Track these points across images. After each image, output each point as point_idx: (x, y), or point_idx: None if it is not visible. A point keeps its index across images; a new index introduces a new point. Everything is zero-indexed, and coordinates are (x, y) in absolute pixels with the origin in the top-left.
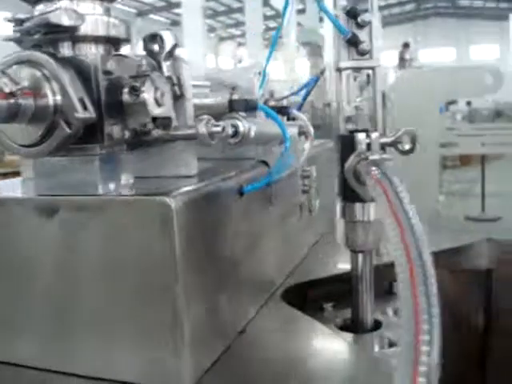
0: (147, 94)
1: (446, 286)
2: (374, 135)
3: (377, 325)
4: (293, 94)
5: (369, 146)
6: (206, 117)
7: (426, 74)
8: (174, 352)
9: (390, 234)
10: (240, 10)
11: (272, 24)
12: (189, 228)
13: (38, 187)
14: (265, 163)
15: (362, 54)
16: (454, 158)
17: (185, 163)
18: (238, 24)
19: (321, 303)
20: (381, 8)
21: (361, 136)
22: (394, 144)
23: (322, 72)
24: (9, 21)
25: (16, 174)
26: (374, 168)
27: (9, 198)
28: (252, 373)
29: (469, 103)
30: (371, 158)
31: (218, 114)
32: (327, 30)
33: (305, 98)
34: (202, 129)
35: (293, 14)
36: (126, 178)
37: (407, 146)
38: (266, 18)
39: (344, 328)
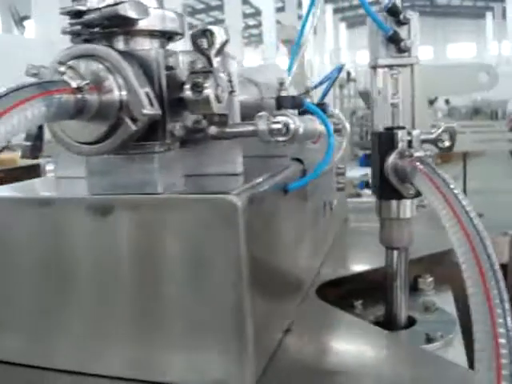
0: (210, 91)
1: (461, 282)
2: (416, 132)
3: (410, 321)
4: (315, 86)
5: (409, 143)
6: (264, 113)
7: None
8: (238, 352)
9: (451, 231)
10: (219, 8)
11: (251, 22)
12: (249, 227)
13: (92, 186)
14: (299, 161)
15: (404, 51)
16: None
17: (231, 161)
18: (217, 22)
19: (351, 301)
20: (358, 6)
21: (402, 133)
22: (434, 141)
23: (343, 66)
24: (67, 13)
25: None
26: (421, 165)
27: (60, 198)
28: (304, 372)
29: (447, 101)
30: (416, 154)
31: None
32: (308, 28)
33: (326, 92)
34: (263, 126)
35: (272, 11)
36: (178, 176)
37: (447, 143)
38: (246, 15)
39: (377, 325)
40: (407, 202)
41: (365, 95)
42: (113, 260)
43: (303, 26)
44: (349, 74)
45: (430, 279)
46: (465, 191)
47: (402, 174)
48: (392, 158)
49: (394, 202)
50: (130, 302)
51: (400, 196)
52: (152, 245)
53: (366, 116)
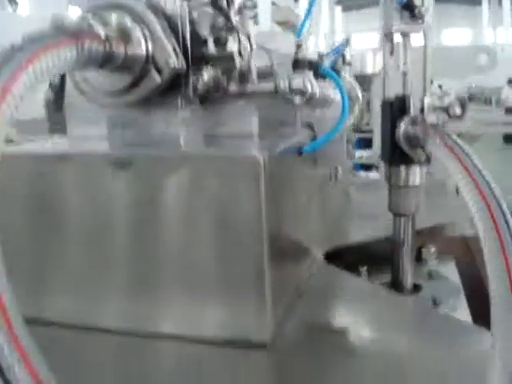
0: (233, 46)
1: (464, 253)
2: (428, 99)
3: (415, 288)
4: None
5: (421, 110)
6: (285, 71)
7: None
8: (257, 307)
9: (468, 195)
10: None
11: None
12: (269, 184)
13: (114, 141)
14: (310, 127)
15: (419, 18)
16: None
17: (247, 122)
18: None
19: (357, 268)
20: None
21: (414, 100)
22: (446, 109)
23: (349, 39)
24: None
25: None
26: (435, 130)
27: (80, 153)
28: (316, 331)
29: (440, 87)
30: (430, 121)
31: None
32: (303, 9)
33: (334, 64)
34: (284, 83)
35: None
36: (198, 134)
37: (458, 111)
38: None
39: None
40: (416, 170)
41: (361, 78)
42: (133, 214)
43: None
44: (344, 57)
45: (433, 249)
46: None
47: (414, 139)
48: (404, 125)
49: (403, 169)
50: (148, 256)
51: (410, 162)
52: (172, 199)
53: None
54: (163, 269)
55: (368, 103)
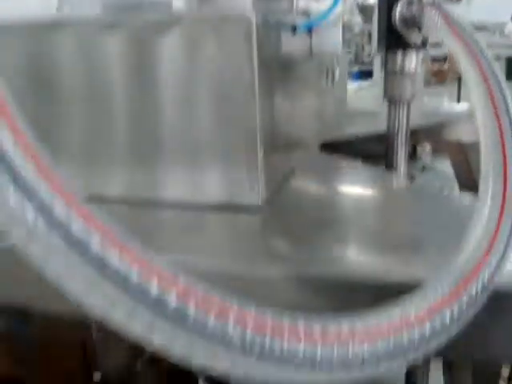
0: None
1: (458, 158)
2: None
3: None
4: None
5: None
6: None
7: None
8: (251, 172)
9: (467, 74)
10: None
11: None
12: (261, 50)
13: (105, 7)
14: (306, 14)
15: None
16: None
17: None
18: None
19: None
20: None
21: None
22: None
23: None
24: None
25: None
26: (431, 7)
27: (71, 18)
28: (307, 204)
29: None
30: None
31: None
32: None
33: None
34: None
35: None
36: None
37: None
38: None
39: None
40: (413, 55)
41: (363, 10)
42: (128, 80)
43: None
44: None
45: (429, 148)
46: None
47: (410, 20)
48: (400, 7)
49: (399, 55)
50: (146, 124)
51: (406, 46)
52: (165, 63)
53: (362, 32)
54: (162, 137)
55: (369, 35)
